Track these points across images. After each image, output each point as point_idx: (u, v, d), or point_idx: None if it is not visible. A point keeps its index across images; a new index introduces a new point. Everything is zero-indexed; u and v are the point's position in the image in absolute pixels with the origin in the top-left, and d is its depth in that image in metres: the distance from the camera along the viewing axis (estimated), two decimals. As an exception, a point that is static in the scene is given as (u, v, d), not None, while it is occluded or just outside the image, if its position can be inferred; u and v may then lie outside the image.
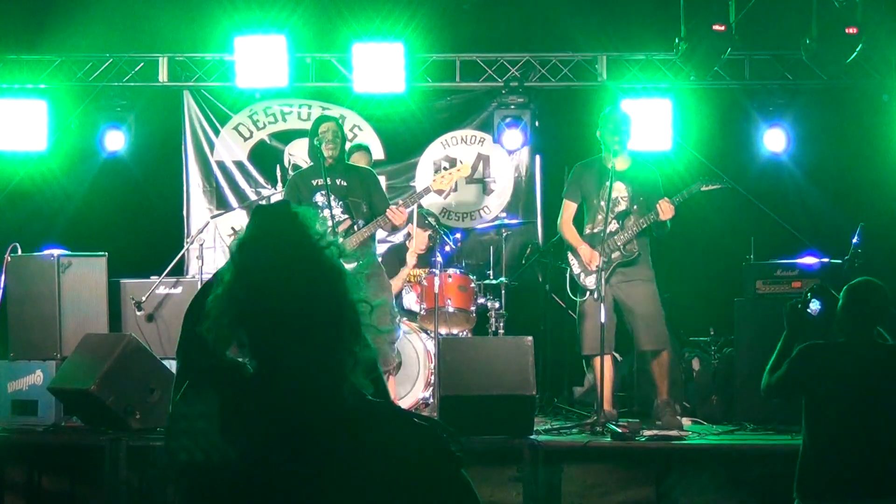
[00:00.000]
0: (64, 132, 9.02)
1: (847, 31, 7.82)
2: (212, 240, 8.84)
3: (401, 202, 6.86)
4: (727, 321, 7.51)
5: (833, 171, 8.81)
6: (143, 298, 7.64)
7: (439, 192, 7.17)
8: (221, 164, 9.36)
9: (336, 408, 1.73)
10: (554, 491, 5.98)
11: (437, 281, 7.36)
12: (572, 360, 8.20)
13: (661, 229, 6.82)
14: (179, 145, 9.35)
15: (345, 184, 6.76)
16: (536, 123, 9.08)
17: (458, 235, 8.45)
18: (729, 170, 7.16)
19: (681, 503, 5.97)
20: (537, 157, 9.24)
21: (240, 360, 1.74)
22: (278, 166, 9.10)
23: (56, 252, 7.13)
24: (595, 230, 6.84)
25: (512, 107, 8.91)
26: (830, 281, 7.14)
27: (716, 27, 7.92)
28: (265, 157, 9.32)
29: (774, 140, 8.75)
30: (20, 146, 8.85)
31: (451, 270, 7.63)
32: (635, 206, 6.82)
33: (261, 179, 9.32)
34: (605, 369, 6.61)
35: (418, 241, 8.09)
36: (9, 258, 7.13)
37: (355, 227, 6.66)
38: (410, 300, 7.84)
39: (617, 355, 7.31)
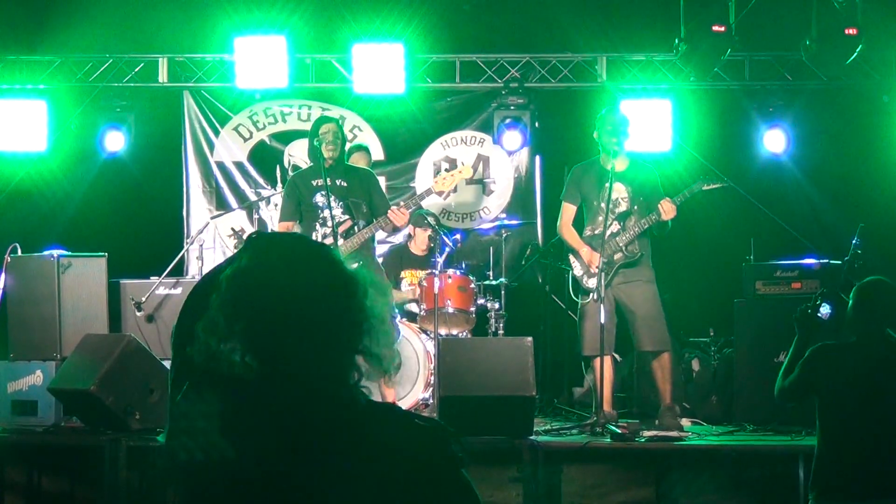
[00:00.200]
0: (64, 133, 9.02)
1: (847, 31, 7.83)
2: (211, 240, 8.84)
3: (402, 203, 6.86)
4: (727, 322, 7.51)
5: (833, 172, 8.81)
6: (143, 299, 7.64)
7: (440, 193, 7.18)
8: (221, 165, 9.36)
9: (337, 409, 1.73)
10: (554, 491, 5.98)
11: (436, 282, 7.36)
12: (572, 361, 8.21)
13: (662, 229, 6.82)
14: (179, 146, 9.35)
15: (345, 184, 6.76)
16: (536, 124, 9.08)
17: (457, 236, 8.45)
18: (729, 171, 7.16)
19: (680, 503, 5.97)
20: (537, 158, 9.24)
21: (239, 361, 1.73)
22: (278, 167, 9.10)
23: (56, 252, 7.13)
24: (596, 232, 6.83)
25: (512, 107, 8.92)
26: (830, 281, 7.16)
27: (715, 28, 7.93)
28: (265, 158, 9.33)
29: (774, 141, 8.75)
30: (20, 147, 8.85)
31: (450, 271, 7.63)
32: (636, 207, 6.81)
33: (260, 180, 9.32)
34: (605, 370, 6.61)
35: (418, 241, 8.10)
36: (9, 258, 7.13)
37: (356, 227, 6.67)
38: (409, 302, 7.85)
39: (616, 356, 7.31)
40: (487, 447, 5.90)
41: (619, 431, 6.28)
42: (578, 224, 7.05)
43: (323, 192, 6.62)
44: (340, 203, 6.71)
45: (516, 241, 9.08)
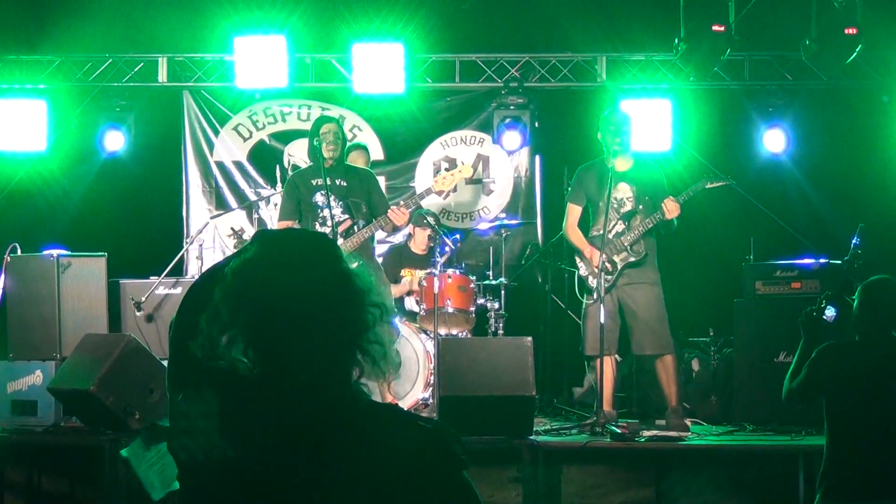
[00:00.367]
0: (64, 132, 9.02)
1: (847, 31, 7.82)
2: (211, 240, 8.84)
3: (402, 203, 6.86)
4: (727, 321, 7.51)
5: (833, 172, 8.81)
6: (143, 299, 7.64)
7: (440, 192, 7.18)
8: (221, 165, 9.36)
9: (338, 408, 1.73)
10: (554, 491, 5.98)
11: (436, 282, 7.36)
12: (572, 361, 8.20)
13: (667, 228, 6.81)
14: (179, 145, 9.35)
15: (345, 184, 6.77)
16: (536, 124, 9.08)
17: (457, 236, 8.45)
18: (729, 170, 7.15)
19: (680, 503, 5.97)
20: (537, 158, 9.24)
21: (240, 359, 1.73)
22: (278, 167, 9.10)
23: (56, 252, 7.13)
24: (601, 232, 6.84)
25: (511, 107, 8.91)
26: (830, 281, 7.16)
27: (715, 28, 7.92)
28: (265, 158, 9.33)
29: (774, 140, 8.76)
30: (20, 146, 8.86)
31: (450, 271, 7.63)
32: (641, 206, 6.81)
33: (260, 180, 9.32)
34: (605, 370, 6.62)
35: (418, 241, 8.10)
36: (8, 258, 7.12)
37: (356, 227, 6.67)
38: (410, 301, 7.85)
39: (617, 356, 7.31)
40: (487, 447, 5.90)
41: (619, 431, 6.28)
42: (585, 225, 7.05)
43: (323, 192, 6.62)
44: (340, 203, 6.71)
45: (516, 241, 9.08)
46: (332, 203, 6.61)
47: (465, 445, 1.74)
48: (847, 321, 4.27)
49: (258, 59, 8.49)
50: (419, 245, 8.18)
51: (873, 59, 8.46)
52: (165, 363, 1.94)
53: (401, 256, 8.20)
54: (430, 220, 7.99)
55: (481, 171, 9.32)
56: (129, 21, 8.78)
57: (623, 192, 6.82)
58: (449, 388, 6.13)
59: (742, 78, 8.88)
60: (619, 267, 6.78)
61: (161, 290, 7.70)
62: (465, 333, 7.72)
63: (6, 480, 6.36)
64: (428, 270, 7.64)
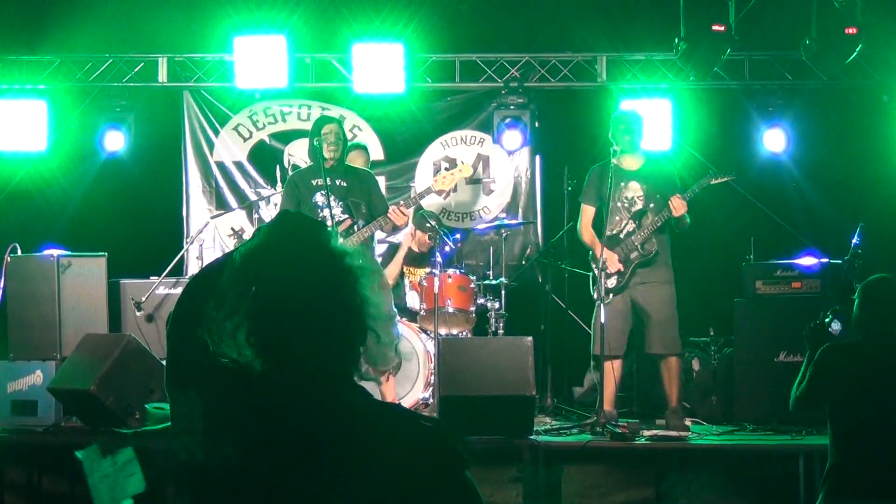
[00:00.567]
0: (64, 132, 9.02)
1: (847, 31, 7.82)
2: (211, 240, 8.84)
3: (402, 202, 6.87)
4: (727, 321, 7.51)
5: (833, 171, 8.80)
6: (143, 299, 7.64)
7: (440, 192, 7.18)
8: (221, 165, 9.35)
9: (342, 408, 1.73)
10: (554, 491, 5.98)
11: (436, 281, 7.36)
12: (572, 361, 8.21)
13: (680, 225, 6.81)
14: (179, 146, 9.35)
15: (344, 184, 6.77)
16: (536, 124, 9.08)
17: (457, 236, 8.44)
18: (728, 170, 7.15)
19: (680, 503, 5.97)
20: (537, 158, 9.24)
21: (242, 358, 1.72)
22: (278, 167, 9.10)
23: (56, 252, 7.13)
24: (613, 232, 6.86)
25: (511, 107, 8.91)
26: (830, 281, 7.16)
27: (715, 27, 7.92)
28: (265, 158, 9.32)
29: (774, 140, 8.75)
30: (20, 146, 8.85)
31: (450, 271, 7.62)
32: (652, 205, 6.80)
33: (260, 180, 9.31)
34: (609, 370, 6.64)
35: (418, 241, 8.09)
36: (9, 258, 7.13)
37: (355, 226, 6.68)
38: (411, 300, 7.85)
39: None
40: (487, 447, 5.90)
41: (620, 431, 6.28)
42: (599, 225, 7.05)
43: (323, 192, 6.63)
44: (340, 203, 6.72)
45: (516, 241, 9.08)
46: (332, 203, 6.62)
47: (467, 445, 1.74)
48: (852, 334, 4.29)
49: (258, 59, 8.49)
50: (419, 245, 8.17)
51: (873, 58, 8.46)
52: (165, 363, 1.93)
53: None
54: (433, 222, 7.97)
55: (481, 170, 9.32)
56: (130, 21, 8.77)
57: (633, 190, 6.83)
58: (449, 388, 6.13)
59: (742, 77, 8.88)
60: (630, 266, 6.78)
61: (161, 290, 7.70)
62: (465, 333, 7.72)
63: (6, 480, 6.36)
64: (428, 270, 7.64)
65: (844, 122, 8.82)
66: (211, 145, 9.34)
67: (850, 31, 7.80)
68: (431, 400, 7.16)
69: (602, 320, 6.64)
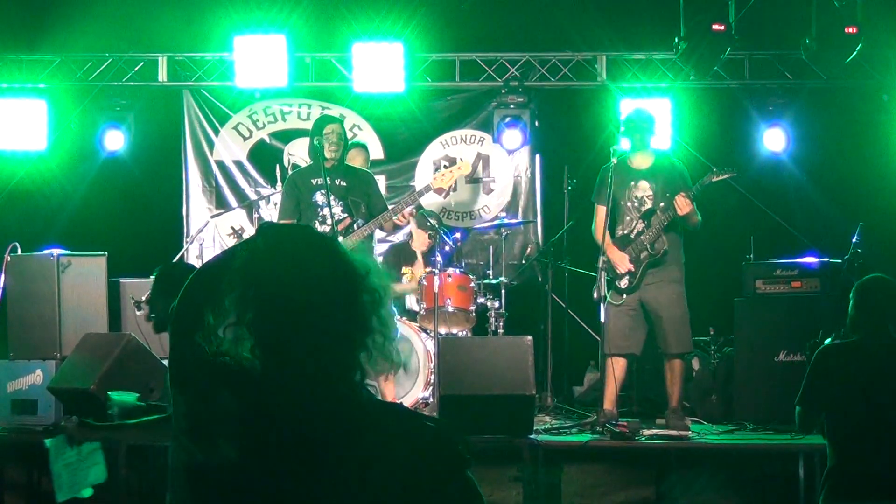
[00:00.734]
0: (64, 132, 9.02)
1: (847, 30, 7.82)
2: (211, 239, 8.83)
3: (402, 201, 6.87)
4: (727, 321, 7.51)
5: (833, 171, 8.80)
6: (143, 298, 7.62)
7: (439, 190, 7.17)
8: (221, 164, 9.35)
9: (343, 408, 1.72)
10: (554, 491, 5.98)
11: (436, 281, 7.36)
12: (572, 360, 8.21)
13: (689, 224, 6.81)
14: (179, 145, 9.35)
15: (344, 184, 6.78)
16: (536, 123, 9.08)
17: (457, 235, 8.44)
18: (730, 167, 7.15)
19: (681, 503, 5.97)
20: (537, 157, 9.24)
21: (243, 358, 1.72)
22: (278, 166, 9.10)
23: (56, 252, 7.13)
24: (624, 231, 6.86)
25: (511, 106, 8.91)
26: (830, 280, 7.16)
27: (715, 27, 7.92)
28: (265, 157, 9.32)
29: (774, 140, 8.75)
30: (20, 146, 8.86)
31: (450, 270, 7.62)
32: (662, 203, 6.80)
33: (260, 179, 9.31)
34: (611, 369, 6.67)
35: (419, 240, 8.09)
36: (9, 258, 7.12)
37: (355, 225, 6.68)
38: (411, 300, 7.85)
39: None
40: (487, 446, 5.90)
41: (620, 431, 6.28)
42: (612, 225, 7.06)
43: (322, 191, 6.63)
44: (340, 202, 6.73)
45: (516, 240, 9.08)
46: (332, 202, 6.62)
47: (469, 445, 1.74)
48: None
49: (258, 58, 8.49)
50: (419, 245, 8.17)
51: (873, 57, 8.46)
52: (166, 362, 1.93)
53: (401, 255, 8.20)
54: (433, 221, 7.96)
55: (481, 170, 9.32)
56: (129, 20, 8.77)
57: (643, 190, 6.83)
58: (449, 387, 6.13)
59: (742, 77, 8.88)
60: (641, 266, 6.78)
61: (161, 290, 7.68)
62: (465, 332, 7.72)
63: (6, 480, 6.36)
64: (428, 269, 7.64)
65: (844, 122, 8.81)
66: (211, 144, 9.34)
67: (850, 30, 7.80)
68: (431, 399, 7.16)
69: (603, 319, 6.65)
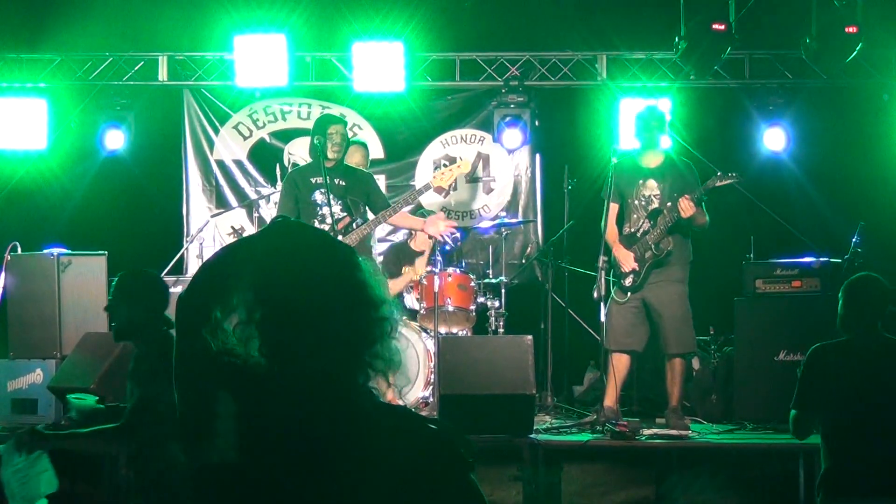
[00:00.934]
0: (64, 131, 9.02)
1: (847, 30, 7.82)
2: (211, 239, 8.84)
3: (401, 199, 6.88)
4: (727, 320, 7.51)
5: (833, 171, 8.80)
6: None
7: (439, 189, 7.17)
8: (221, 163, 9.36)
9: (347, 409, 1.72)
10: (554, 490, 5.98)
11: (436, 280, 7.36)
12: (572, 359, 8.21)
13: (695, 225, 6.80)
14: (179, 144, 9.35)
15: (343, 183, 6.78)
16: (536, 122, 9.08)
17: (457, 235, 8.44)
18: (728, 169, 7.13)
19: (681, 503, 5.97)
20: (537, 156, 9.24)
21: (247, 357, 1.72)
22: (278, 165, 9.10)
23: (56, 251, 7.13)
24: (631, 230, 6.86)
25: (512, 106, 8.91)
26: (830, 280, 7.15)
27: (715, 26, 7.92)
28: (265, 156, 9.33)
29: (774, 139, 8.76)
30: (20, 145, 8.86)
31: (450, 269, 7.62)
32: (668, 204, 6.79)
33: (260, 178, 9.32)
34: (616, 368, 6.68)
35: (419, 240, 8.09)
36: (9, 257, 7.13)
37: (354, 224, 6.68)
38: (411, 299, 7.85)
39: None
40: (487, 446, 5.90)
41: (620, 430, 6.28)
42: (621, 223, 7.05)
43: (322, 190, 6.63)
44: (339, 201, 6.72)
45: (516, 240, 9.09)
46: (331, 201, 6.62)
47: (472, 448, 1.74)
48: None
49: (258, 57, 8.49)
50: (419, 245, 8.16)
51: (873, 57, 8.46)
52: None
53: (401, 254, 8.19)
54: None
55: (481, 169, 9.33)
56: (130, 20, 8.78)
57: (651, 189, 6.82)
58: (449, 387, 6.13)
59: (742, 76, 8.88)
60: (645, 266, 6.78)
61: (161, 289, 7.68)
62: (465, 332, 7.72)
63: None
64: (428, 269, 7.64)
65: (844, 122, 8.82)
66: (211, 144, 9.34)
67: (850, 30, 7.81)
68: (431, 399, 7.15)
69: (604, 316, 6.66)
